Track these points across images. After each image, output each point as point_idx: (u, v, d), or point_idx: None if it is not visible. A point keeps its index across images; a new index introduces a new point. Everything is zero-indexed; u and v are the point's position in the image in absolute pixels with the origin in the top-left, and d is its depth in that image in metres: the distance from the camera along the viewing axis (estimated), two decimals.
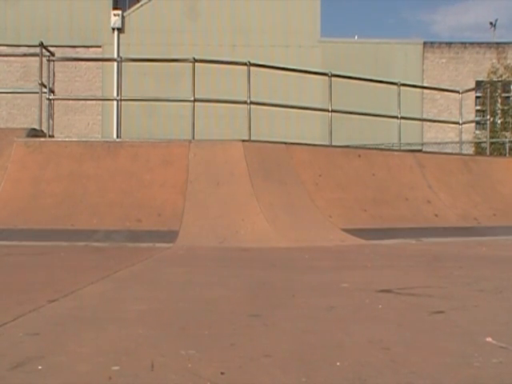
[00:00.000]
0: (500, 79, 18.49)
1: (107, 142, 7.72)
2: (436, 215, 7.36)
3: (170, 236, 5.71)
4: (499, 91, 18.53)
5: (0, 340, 1.82)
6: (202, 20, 17.97)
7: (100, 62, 17.63)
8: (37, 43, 7.70)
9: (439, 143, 16.82)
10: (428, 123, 17.35)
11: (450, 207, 7.66)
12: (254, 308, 2.40)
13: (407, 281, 3.28)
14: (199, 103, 7.88)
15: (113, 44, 17.87)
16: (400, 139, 9.46)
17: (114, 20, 17.85)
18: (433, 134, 18.36)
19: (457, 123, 11.37)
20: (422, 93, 17.91)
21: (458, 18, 67.22)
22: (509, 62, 18.94)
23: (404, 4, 66.45)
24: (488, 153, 11.10)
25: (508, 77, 18.58)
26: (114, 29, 17.92)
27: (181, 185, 6.51)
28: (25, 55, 10.26)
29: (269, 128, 14.54)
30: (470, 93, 15.00)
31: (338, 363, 1.56)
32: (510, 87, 18.81)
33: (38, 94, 7.71)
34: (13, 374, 1.46)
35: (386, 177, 7.75)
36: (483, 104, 17.67)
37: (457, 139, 12.19)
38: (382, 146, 12.67)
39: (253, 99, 8.01)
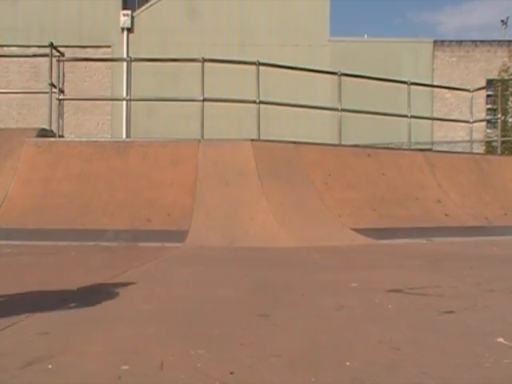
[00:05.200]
0: (511, 77, 18.34)
1: (117, 141, 7.74)
2: (446, 215, 7.32)
3: (180, 236, 5.71)
4: (511, 89, 18.36)
5: (11, 339, 1.83)
6: (210, 20, 17.98)
7: (109, 62, 17.68)
8: (47, 44, 7.73)
9: (449, 142, 16.72)
10: (438, 122, 17.22)
11: (461, 207, 7.61)
12: (264, 308, 2.39)
13: (417, 280, 3.26)
14: (208, 103, 7.88)
15: (122, 44, 17.92)
16: (410, 138, 9.41)
17: (124, 20, 17.90)
18: (443, 133, 18.25)
19: (467, 122, 11.29)
20: (432, 91, 17.79)
21: (463, 19, 66.80)
22: None
23: (410, 4, 66.14)
24: (499, 152, 10.99)
25: None
26: (123, 29, 17.97)
27: (190, 184, 6.51)
28: (35, 56, 10.29)
29: (278, 127, 14.52)
30: (480, 91, 14.89)
31: (348, 363, 1.55)
32: None
33: (47, 95, 7.74)
34: (23, 373, 1.46)
35: (395, 176, 7.71)
36: (494, 102, 17.55)
37: (467, 138, 12.10)
38: (392, 145, 12.62)
39: (262, 99, 7.99)
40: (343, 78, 8.75)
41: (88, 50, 17.22)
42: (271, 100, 8.61)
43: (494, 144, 14.88)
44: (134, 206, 6.29)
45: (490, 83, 17.82)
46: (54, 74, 7.73)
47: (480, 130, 16.79)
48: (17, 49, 16.59)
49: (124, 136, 13.57)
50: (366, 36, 20.14)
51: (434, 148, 15.80)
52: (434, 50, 19.02)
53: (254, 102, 8.01)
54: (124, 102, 13.79)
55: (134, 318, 2.16)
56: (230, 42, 17.48)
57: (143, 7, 18.37)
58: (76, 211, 6.23)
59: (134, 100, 8.39)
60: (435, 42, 19.19)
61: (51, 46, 7.66)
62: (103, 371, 1.48)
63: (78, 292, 2.70)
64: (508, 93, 18.21)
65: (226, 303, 2.51)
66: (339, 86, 8.60)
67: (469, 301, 2.56)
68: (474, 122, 11.10)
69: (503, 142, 12.31)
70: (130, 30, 18.06)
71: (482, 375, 1.47)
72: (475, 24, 66.97)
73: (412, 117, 9.42)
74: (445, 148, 14.47)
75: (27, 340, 1.80)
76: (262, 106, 7.99)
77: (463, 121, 13.12)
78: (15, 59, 17.01)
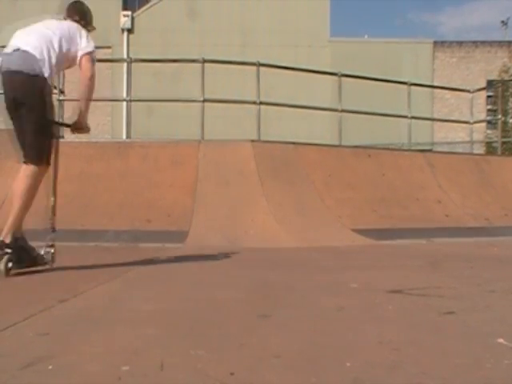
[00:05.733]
0: (511, 78, 18.35)
1: (117, 142, 7.74)
2: (447, 215, 7.32)
3: (180, 236, 5.71)
4: (511, 90, 18.37)
5: (11, 340, 1.83)
6: (210, 20, 17.99)
7: (110, 63, 17.69)
8: None
9: (450, 143, 16.71)
10: (438, 123, 17.24)
11: (461, 207, 7.61)
12: (264, 308, 2.39)
13: (417, 281, 3.26)
14: (208, 103, 7.88)
15: (122, 45, 17.94)
16: (410, 139, 9.41)
17: (124, 21, 17.92)
18: (443, 134, 18.25)
19: (467, 123, 11.29)
20: (433, 92, 17.80)
21: (463, 19, 66.78)
22: None
23: (410, 5, 66.15)
24: (499, 152, 10.99)
25: None
26: (123, 29, 17.99)
27: (190, 185, 6.51)
28: None
29: (278, 128, 14.51)
30: (481, 92, 14.89)
31: (348, 364, 1.55)
32: None
33: None
34: (23, 374, 1.46)
35: (395, 177, 7.71)
36: (495, 103, 17.55)
37: (467, 139, 12.10)
38: (392, 146, 12.62)
39: (262, 99, 7.99)
40: (343, 78, 8.75)
41: None
42: (271, 101, 8.61)
43: (494, 145, 14.88)
44: (134, 207, 6.30)
45: (490, 84, 17.83)
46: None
47: (480, 131, 16.79)
48: None
49: (124, 136, 13.56)
50: (366, 36, 20.18)
51: (434, 149, 15.80)
52: (434, 51, 19.03)
53: (254, 102, 8.01)
54: (124, 103, 13.79)
55: (134, 319, 2.16)
56: (231, 43, 17.49)
57: (143, 8, 18.39)
58: (76, 212, 6.22)
59: (134, 101, 8.40)
60: (435, 42, 19.21)
61: None
62: (103, 372, 1.48)
63: (78, 293, 2.70)
64: (508, 93, 18.22)
65: (226, 304, 2.51)
66: (339, 86, 8.61)
67: (469, 301, 2.56)
68: (475, 122, 11.10)
69: (503, 143, 12.31)
70: (130, 31, 18.08)
71: (482, 376, 1.47)
72: (475, 25, 66.99)
73: (412, 117, 9.43)
74: (445, 149, 14.48)
75: (27, 340, 1.80)
76: (262, 106, 7.99)
77: (463, 121, 13.12)
78: None
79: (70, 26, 3.57)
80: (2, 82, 3.33)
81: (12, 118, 3.37)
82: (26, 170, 3.34)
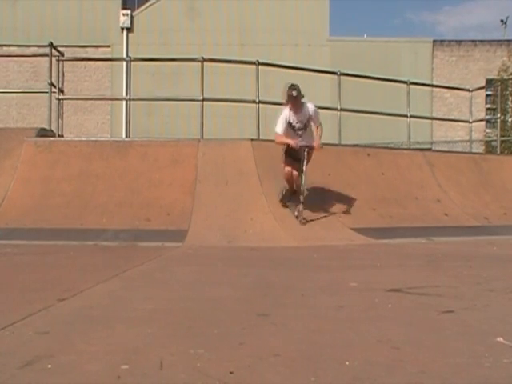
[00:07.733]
0: (511, 77, 18.34)
1: (116, 141, 7.73)
2: (446, 214, 7.32)
3: (179, 235, 5.71)
4: (510, 89, 18.38)
5: (10, 338, 1.83)
6: (210, 19, 17.99)
7: (109, 62, 17.70)
8: (46, 43, 7.73)
9: (449, 142, 16.73)
10: (438, 122, 17.23)
11: (460, 206, 7.61)
12: (263, 307, 2.39)
13: (417, 280, 3.26)
14: (208, 102, 7.88)
15: (122, 44, 17.93)
16: (409, 138, 9.41)
17: (123, 20, 17.91)
18: (442, 133, 18.25)
19: (467, 122, 11.30)
20: (432, 91, 17.80)
21: (462, 19, 66.79)
22: None
23: (409, 4, 66.06)
24: (498, 151, 11.01)
25: None
26: (122, 28, 17.98)
27: (189, 184, 6.51)
28: (34, 55, 10.31)
29: None
30: (480, 91, 14.90)
31: (347, 363, 1.55)
32: None
33: (47, 94, 7.74)
34: (22, 373, 1.46)
35: (395, 176, 7.71)
36: (494, 102, 17.56)
37: (467, 138, 12.12)
38: (391, 145, 12.62)
39: (261, 98, 7.99)
40: (343, 77, 8.75)
41: (88, 49, 17.22)
42: (271, 100, 8.61)
43: (493, 144, 14.89)
44: (133, 206, 6.30)
45: (489, 83, 17.84)
46: (54, 74, 7.73)
47: (479, 130, 16.81)
48: (16, 48, 16.59)
49: (124, 135, 13.56)
50: (365, 36, 20.17)
51: (433, 148, 15.81)
52: (433, 50, 19.03)
53: (254, 101, 8.00)
54: (124, 102, 13.78)
55: (134, 318, 2.16)
56: (230, 42, 17.49)
57: (143, 7, 18.38)
58: (75, 211, 6.23)
59: (133, 100, 8.39)
60: (435, 41, 19.21)
61: (51, 45, 7.65)
62: (103, 371, 1.48)
63: (77, 292, 2.70)
64: (507, 92, 18.24)
65: (226, 303, 2.51)
66: (339, 85, 8.60)
67: (468, 300, 2.56)
68: (474, 121, 11.11)
69: (502, 142, 12.34)
70: (129, 30, 18.08)
71: (481, 375, 1.47)
72: (474, 24, 67.01)
73: (411, 116, 9.42)
74: (444, 148, 14.49)
75: (27, 339, 1.80)
76: (261, 105, 7.98)
77: (463, 120, 13.14)
78: (15, 58, 17.01)
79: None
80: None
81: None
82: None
